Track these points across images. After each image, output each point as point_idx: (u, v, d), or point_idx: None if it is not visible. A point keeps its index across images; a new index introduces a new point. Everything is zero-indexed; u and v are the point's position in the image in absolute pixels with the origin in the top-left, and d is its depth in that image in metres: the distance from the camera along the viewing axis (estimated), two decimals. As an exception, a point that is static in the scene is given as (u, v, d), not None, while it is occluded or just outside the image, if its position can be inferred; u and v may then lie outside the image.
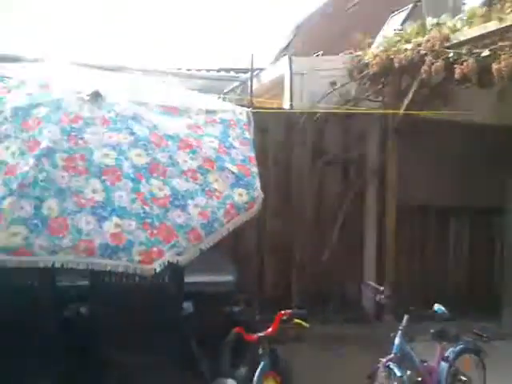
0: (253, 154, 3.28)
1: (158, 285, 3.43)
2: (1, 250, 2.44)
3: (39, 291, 3.29)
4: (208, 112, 3.46)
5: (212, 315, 4.06)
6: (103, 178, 2.73)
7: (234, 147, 3.24)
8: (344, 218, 5.93)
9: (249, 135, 3.40)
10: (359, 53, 5.94)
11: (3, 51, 6.10)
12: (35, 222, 2.52)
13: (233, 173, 3.06)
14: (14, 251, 2.46)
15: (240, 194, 3.00)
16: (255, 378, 3.08)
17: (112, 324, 3.44)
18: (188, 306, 3.78)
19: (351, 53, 6.08)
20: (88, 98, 3.05)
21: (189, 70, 7.82)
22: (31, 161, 2.66)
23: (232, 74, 8.11)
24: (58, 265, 2.52)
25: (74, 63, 4.50)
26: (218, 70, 8.15)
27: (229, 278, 4.16)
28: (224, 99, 6.61)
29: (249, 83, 6.37)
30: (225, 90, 8.48)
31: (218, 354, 3.87)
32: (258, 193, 3.08)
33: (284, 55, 7.72)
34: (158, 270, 2.57)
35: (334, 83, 5.92)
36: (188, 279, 3.54)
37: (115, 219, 2.62)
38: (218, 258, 3.98)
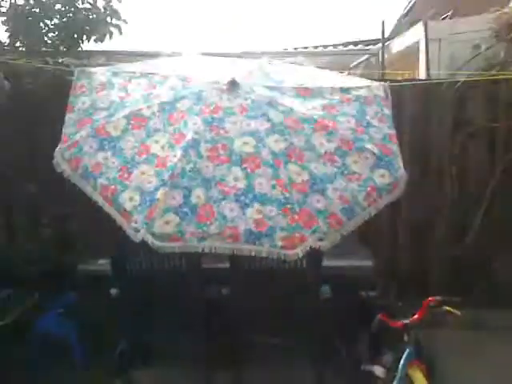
0: (393, 131, 3.14)
1: (295, 269, 3.50)
2: (157, 238, 2.68)
3: (188, 273, 3.55)
4: (342, 90, 3.37)
5: (349, 300, 4.04)
6: (244, 165, 2.83)
7: (373, 125, 3.13)
8: (491, 195, 5.46)
9: (388, 111, 3.26)
10: (506, 10, 5.35)
11: (143, 48, 6.62)
12: (185, 210, 2.72)
13: (373, 153, 2.97)
14: (168, 238, 2.69)
15: (382, 176, 2.91)
16: (400, 366, 3.02)
17: (251, 306, 3.58)
18: (325, 290, 3.81)
19: (497, 10, 5.49)
20: (225, 87, 3.18)
21: (316, 47, 7.73)
22: (179, 153, 2.86)
23: (360, 47, 7.84)
24: (206, 250, 2.70)
25: (204, 54, 4.70)
26: (345, 45, 7.93)
27: (367, 262, 4.10)
28: (349, 74, 6.43)
29: (375, 56, 6.11)
30: (351, 65, 8.25)
31: (356, 339, 3.85)
32: (401, 173, 2.96)
33: (407, 22, 7.25)
34: (300, 255, 2.63)
35: (477, 46, 5.41)
36: (326, 263, 3.55)
37: (257, 206, 2.72)
38: (354, 241, 3.94)
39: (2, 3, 5.18)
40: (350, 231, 2.79)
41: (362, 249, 4.35)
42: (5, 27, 5.29)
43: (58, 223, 4.54)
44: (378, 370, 3.19)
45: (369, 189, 2.85)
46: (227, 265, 3.51)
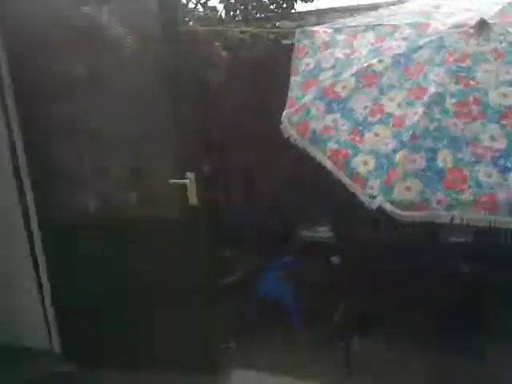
0: None
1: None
2: (397, 205, 2.53)
3: (422, 243, 3.41)
4: None
5: None
6: (503, 122, 2.49)
7: None
8: None
9: None
10: None
11: (354, 3, 6.37)
12: (429, 174, 2.52)
13: None
14: (409, 206, 2.52)
15: None
16: None
17: (498, 286, 3.31)
18: None
19: None
20: (472, 30, 2.82)
21: None
22: (420, 110, 2.64)
23: None
24: (456, 221, 2.45)
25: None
26: None
27: None
28: None
29: None
30: None
31: None
32: None
33: None
34: None
35: None
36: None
37: None
38: None
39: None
40: None
41: None
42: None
43: (276, 190, 4.72)
44: None
45: None
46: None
